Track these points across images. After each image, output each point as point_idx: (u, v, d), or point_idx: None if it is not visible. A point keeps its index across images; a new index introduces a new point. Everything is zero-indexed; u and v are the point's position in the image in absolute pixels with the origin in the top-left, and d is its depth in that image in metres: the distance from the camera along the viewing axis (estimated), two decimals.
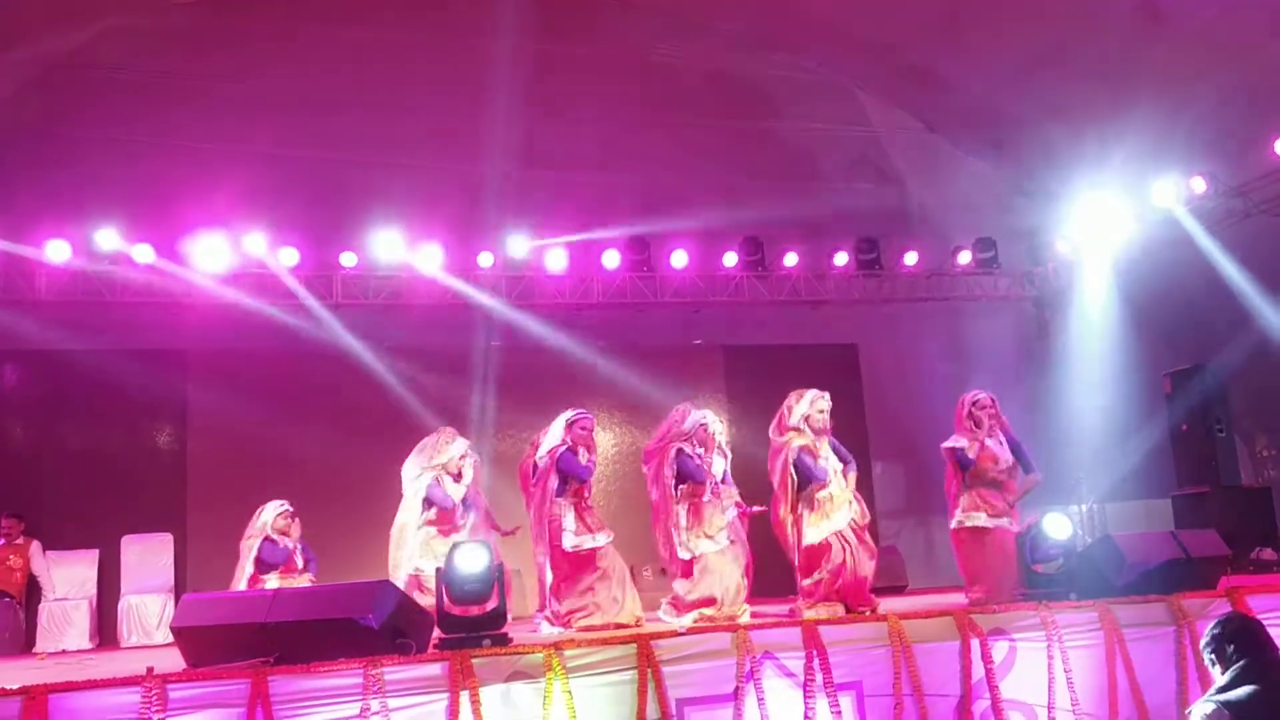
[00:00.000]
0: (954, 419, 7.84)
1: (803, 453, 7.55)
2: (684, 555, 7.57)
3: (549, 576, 7.66)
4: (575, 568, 7.58)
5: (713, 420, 7.94)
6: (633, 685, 5.42)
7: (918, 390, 11.86)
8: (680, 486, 7.69)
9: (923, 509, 12.20)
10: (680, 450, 7.70)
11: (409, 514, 7.90)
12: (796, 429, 7.63)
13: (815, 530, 7.49)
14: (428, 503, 7.89)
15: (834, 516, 7.50)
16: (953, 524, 7.71)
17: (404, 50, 11.28)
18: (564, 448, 7.70)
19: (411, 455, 8.06)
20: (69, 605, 9.91)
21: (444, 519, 7.91)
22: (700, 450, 7.74)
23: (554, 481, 7.66)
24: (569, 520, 7.60)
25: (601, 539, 7.63)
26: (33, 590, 10.07)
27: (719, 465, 7.87)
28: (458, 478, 8.04)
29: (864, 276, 12.52)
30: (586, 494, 7.81)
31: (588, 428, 7.84)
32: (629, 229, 11.66)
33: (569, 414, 7.85)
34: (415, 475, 7.97)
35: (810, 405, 7.66)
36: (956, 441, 7.67)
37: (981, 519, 7.52)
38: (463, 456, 8.05)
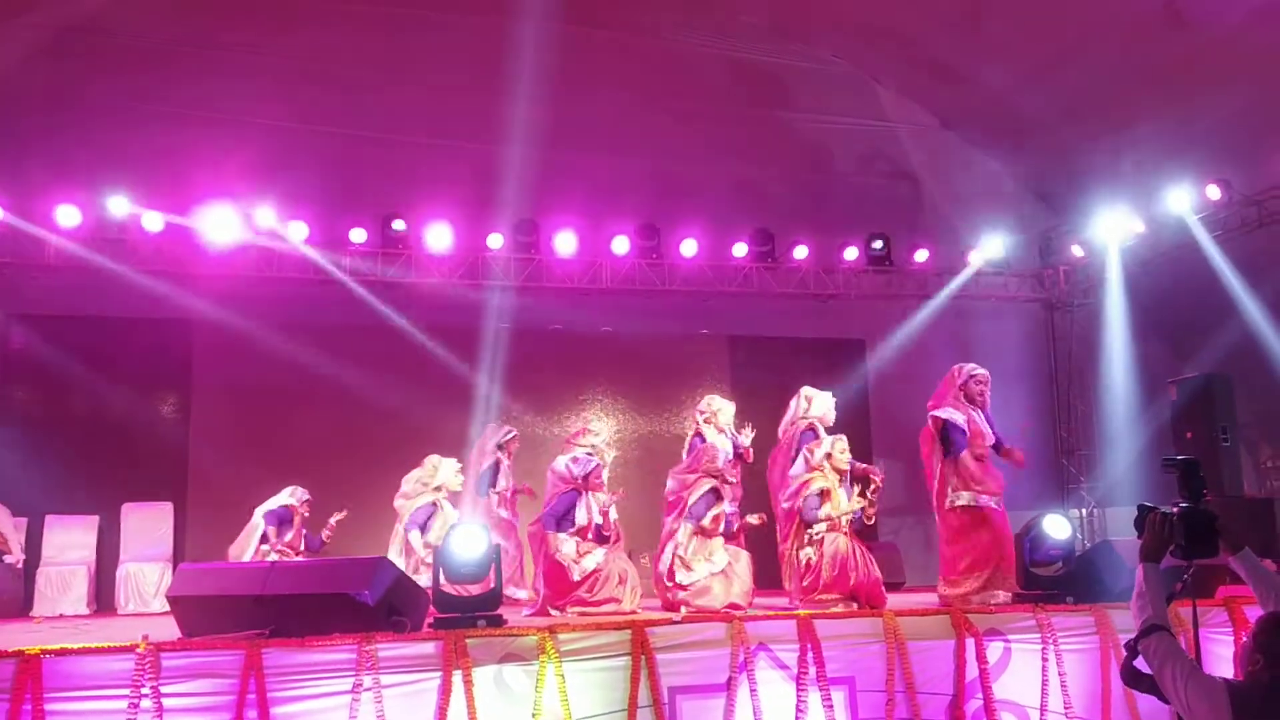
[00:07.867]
0: (940, 389, 7.75)
1: (819, 496, 7.38)
2: (684, 580, 7.37)
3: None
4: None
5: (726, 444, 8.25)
6: (626, 671, 5.44)
7: (923, 389, 11.76)
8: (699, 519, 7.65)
9: (922, 506, 12.14)
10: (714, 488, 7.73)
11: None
12: (819, 469, 7.49)
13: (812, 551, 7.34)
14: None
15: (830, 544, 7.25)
16: (946, 505, 7.48)
17: (418, 26, 11.23)
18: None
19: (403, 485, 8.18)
20: (67, 570, 9.89)
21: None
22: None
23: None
24: (568, 547, 7.55)
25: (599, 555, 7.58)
26: (32, 555, 10.04)
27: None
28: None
29: (874, 272, 12.47)
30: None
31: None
32: (640, 215, 11.61)
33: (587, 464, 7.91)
34: (411, 499, 8.09)
35: (833, 446, 7.57)
36: (951, 415, 7.52)
37: (966, 498, 7.37)
38: (459, 470, 8.22)
